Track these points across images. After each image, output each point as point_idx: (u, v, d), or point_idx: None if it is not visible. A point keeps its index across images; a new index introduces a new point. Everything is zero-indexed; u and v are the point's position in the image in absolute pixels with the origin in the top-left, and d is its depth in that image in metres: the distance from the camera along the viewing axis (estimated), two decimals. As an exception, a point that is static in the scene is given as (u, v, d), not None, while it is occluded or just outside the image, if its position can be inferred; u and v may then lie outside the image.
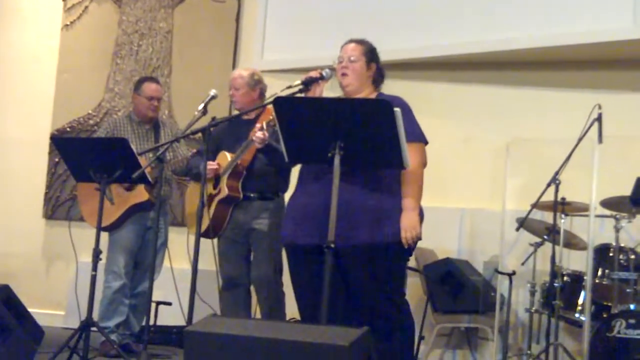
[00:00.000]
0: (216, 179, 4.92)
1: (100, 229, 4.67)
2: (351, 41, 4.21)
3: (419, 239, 3.94)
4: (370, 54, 4.18)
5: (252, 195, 4.90)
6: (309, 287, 3.93)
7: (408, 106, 4.04)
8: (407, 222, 3.88)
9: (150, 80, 5.74)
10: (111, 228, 5.41)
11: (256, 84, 5.08)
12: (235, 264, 4.99)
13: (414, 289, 5.81)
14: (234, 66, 7.12)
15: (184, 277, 4.46)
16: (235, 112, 5.30)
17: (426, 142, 4.07)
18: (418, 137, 4.01)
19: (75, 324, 4.81)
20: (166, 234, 5.59)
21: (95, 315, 4.98)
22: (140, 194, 5.33)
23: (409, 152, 3.64)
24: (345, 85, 4.13)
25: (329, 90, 4.17)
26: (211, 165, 4.85)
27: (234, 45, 7.22)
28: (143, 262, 5.52)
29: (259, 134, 4.65)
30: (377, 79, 4.20)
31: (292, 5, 7.07)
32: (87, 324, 4.58)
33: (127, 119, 5.64)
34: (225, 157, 4.92)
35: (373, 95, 4.16)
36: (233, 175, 4.87)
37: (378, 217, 3.87)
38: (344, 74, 4.12)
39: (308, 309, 4.00)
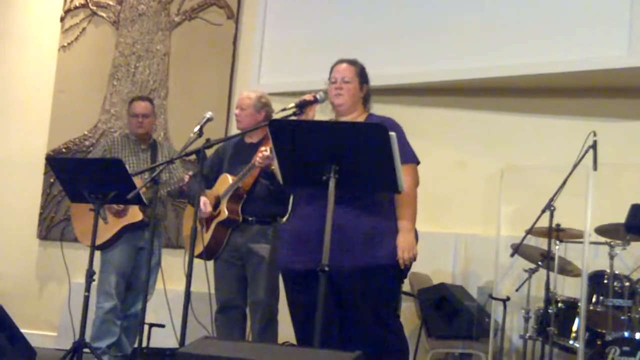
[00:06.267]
0: (216, 201, 4.92)
1: (93, 249, 4.65)
2: (342, 61, 4.21)
3: (414, 259, 3.94)
4: (363, 75, 4.19)
5: (250, 218, 4.87)
6: (305, 312, 3.91)
7: (400, 127, 4.04)
8: (404, 242, 3.88)
9: (138, 98, 5.78)
10: (103, 247, 5.39)
11: (262, 106, 5.03)
12: (232, 287, 4.96)
13: (408, 314, 5.79)
14: (230, 89, 7.14)
15: (178, 299, 4.44)
16: (234, 133, 5.29)
17: (418, 162, 4.08)
18: (410, 158, 4.02)
19: (67, 345, 4.78)
20: (159, 255, 5.57)
21: (88, 336, 4.96)
22: (135, 214, 5.33)
23: (403, 174, 3.63)
24: (339, 104, 4.13)
25: (317, 111, 4.18)
26: (204, 210, 4.86)
27: (231, 68, 7.22)
28: (136, 284, 5.50)
29: (261, 156, 4.64)
30: (367, 99, 4.23)
31: (288, 29, 7.10)
32: (79, 345, 4.56)
33: (125, 138, 5.66)
34: (227, 180, 4.91)
35: (364, 116, 4.17)
36: (233, 198, 4.87)
37: (372, 240, 3.87)
38: (338, 94, 4.13)
39: (304, 333, 3.98)
